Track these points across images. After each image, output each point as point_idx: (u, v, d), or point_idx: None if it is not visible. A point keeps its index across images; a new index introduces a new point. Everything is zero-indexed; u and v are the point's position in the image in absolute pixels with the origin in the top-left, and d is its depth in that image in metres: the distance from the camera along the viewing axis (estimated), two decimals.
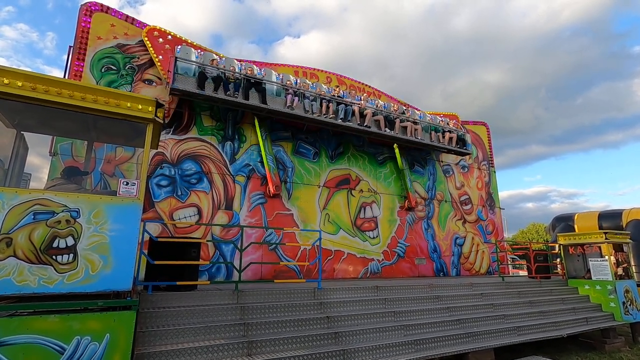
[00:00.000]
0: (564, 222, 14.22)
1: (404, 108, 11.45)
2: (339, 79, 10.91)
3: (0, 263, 3.03)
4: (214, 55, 8.88)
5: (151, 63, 8.36)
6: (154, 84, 8.34)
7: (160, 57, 8.29)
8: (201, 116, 8.71)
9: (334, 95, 9.59)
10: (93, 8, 7.86)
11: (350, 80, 11.29)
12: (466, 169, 13.27)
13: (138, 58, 8.25)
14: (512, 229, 50.32)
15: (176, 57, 7.94)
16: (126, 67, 8.06)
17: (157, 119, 3.92)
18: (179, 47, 8.49)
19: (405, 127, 10.50)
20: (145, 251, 4.89)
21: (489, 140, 14.38)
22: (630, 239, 9.65)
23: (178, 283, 4.85)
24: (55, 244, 3.23)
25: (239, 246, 5.48)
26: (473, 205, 12.95)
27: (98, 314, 3.29)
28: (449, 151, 11.85)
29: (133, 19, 8.39)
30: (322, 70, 10.76)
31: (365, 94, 10.91)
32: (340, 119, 9.26)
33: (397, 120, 10.33)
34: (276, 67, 9.92)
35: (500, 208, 13.75)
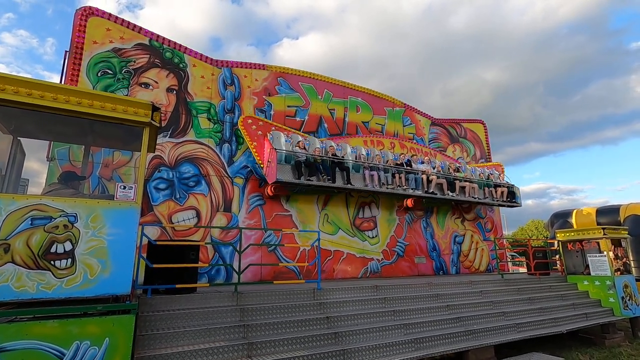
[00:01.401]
0: (562, 219, 14.26)
1: (457, 165, 11.98)
2: (400, 144, 11.60)
3: None
4: (299, 137, 9.41)
5: (148, 66, 8.36)
6: (151, 87, 8.34)
7: (255, 143, 8.88)
8: (198, 119, 8.71)
9: (401, 164, 10.23)
10: (88, 12, 7.85)
11: (410, 143, 11.91)
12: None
13: (134, 62, 8.25)
14: (512, 226, 50.46)
15: (276, 150, 8.45)
16: (122, 71, 8.06)
17: (153, 122, 3.93)
18: (270, 134, 8.94)
19: (464, 187, 11.07)
20: (144, 255, 4.89)
21: (486, 137, 14.42)
22: (628, 234, 9.68)
23: (177, 286, 4.85)
24: (53, 249, 3.23)
25: (238, 248, 5.48)
26: (472, 205, 12.96)
27: (97, 318, 3.30)
28: (501, 205, 12.23)
29: (128, 22, 8.38)
30: (386, 137, 11.58)
31: (425, 157, 11.62)
32: (412, 188, 9.99)
33: (457, 183, 10.95)
34: (349, 139, 10.59)
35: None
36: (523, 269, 15.93)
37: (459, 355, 5.58)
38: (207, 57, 9.24)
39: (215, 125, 8.89)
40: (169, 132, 8.27)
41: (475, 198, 11.15)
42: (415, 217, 11.43)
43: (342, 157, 9.51)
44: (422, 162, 11.06)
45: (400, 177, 9.84)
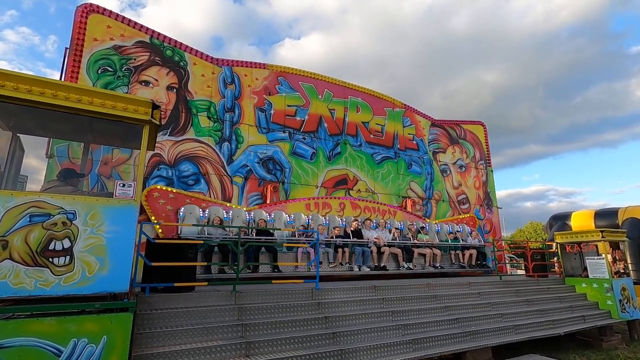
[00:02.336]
0: (561, 221, 14.28)
1: (423, 224, 10.57)
2: (352, 204, 10.00)
3: None
4: (220, 209, 8.06)
5: (148, 64, 8.35)
6: (151, 85, 8.33)
7: (162, 221, 7.44)
8: (198, 117, 8.70)
9: (348, 235, 8.55)
10: (89, 9, 7.84)
11: (364, 202, 10.28)
12: (463, 169, 13.31)
13: (134, 59, 8.23)
14: (510, 228, 50.45)
15: (180, 236, 6.98)
16: (122, 69, 8.05)
17: (153, 120, 3.92)
18: (182, 210, 7.72)
19: (424, 255, 9.44)
20: (143, 253, 4.88)
21: (486, 139, 14.44)
22: (626, 237, 9.70)
23: (175, 284, 4.84)
24: (51, 246, 3.22)
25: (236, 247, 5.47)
26: (470, 204, 12.98)
27: (95, 316, 3.29)
28: (467, 274, 10.12)
29: (129, 20, 8.37)
30: (335, 198, 9.89)
31: (382, 219, 9.86)
32: (358, 265, 8.25)
33: (415, 251, 9.29)
34: (287, 204, 8.99)
35: (497, 207, 13.80)
36: (521, 271, 15.95)
37: (456, 356, 5.59)
38: (207, 56, 9.24)
39: (215, 124, 8.89)
40: (169, 130, 8.27)
41: (437, 267, 9.40)
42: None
43: (272, 231, 7.82)
44: (377, 226, 9.51)
45: (344, 252, 8.19)
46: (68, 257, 3.26)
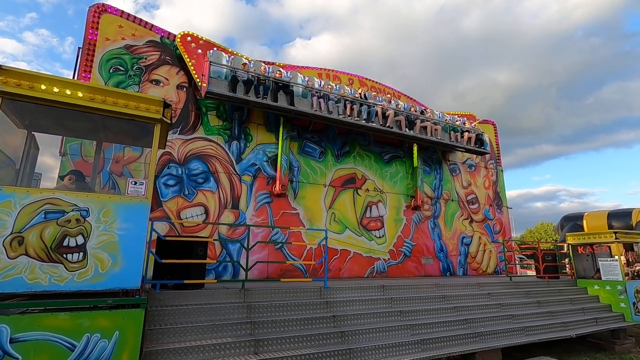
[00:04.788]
0: (573, 222, 14.06)
1: (423, 108, 11.44)
2: (360, 81, 10.95)
3: (12, 261, 3.08)
4: (244, 59, 9.02)
5: (159, 63, 8.42)
6: (161, 84, 8.41)
7: (193, 61, 8.50)
8: (208, 116, 8.76)
9: (356, 97, 9.69)
10: (101, 9, 7.94)
11: (372, 82, 11.29)
12: (473, 168, 13.17)
13: (146, 59, 8.32)
14: (520, 229, 49.86)
15: (210, 62, 8.10)
16: (134, 68, 8.14)
17: (164, 119, 3.95)
18: (211, 51, 8.63)
19: (425, 127, 10.57)
20: (153, 250, 4.94)
21: (496, 139, 14.26)
22: None
23: (186, 282, 4.90)
24: (65, 243, 3.28)
25: (245, 245, 5.51)
26: (480, 204, 12.85)
27: (107, 311, 3.34)
28: (467, 150, 11.92)
29: (140, 20, 8.46)
30: (344, 73, 10.83)
31: (388, 95, 10.98)
32: (364, 119, 9.39)
33: (418, 121, 10.47)
34: (301, 69, 10.11)
35: (507, 207, 13.63)
36: (531, 272, 15.75)
37: (465, 357, 5.54)
38: None
39: (225, 123, 8.94)
40: (179, 129, 8.34)
41: (438, 139, 10.68)
42: (423, 217, 11.36)
43: (289, 80, 8.95)
44: (381, 100, 10.46)
45: (352, 108, 9.27)
46: (81, 254, 3.32)
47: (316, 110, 8.92)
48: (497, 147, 14.16)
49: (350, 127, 9.83)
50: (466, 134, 11.47)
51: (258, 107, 8.80)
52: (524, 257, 18.74)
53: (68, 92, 3.53)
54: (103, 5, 7.97)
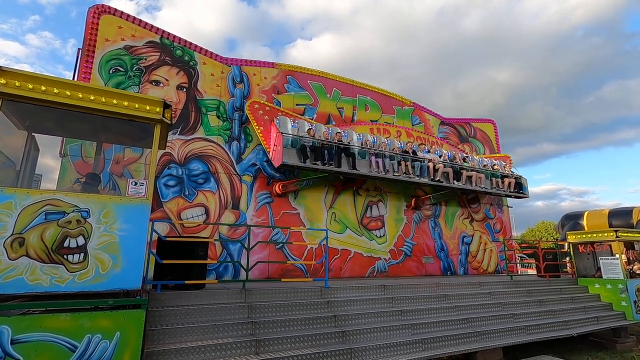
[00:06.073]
0: (573, 220, 14.06)
1: (465, 155, 11.97)
2: (407, 133, 11.60)
3: (13, 262, 3.09)
4: (307, 123, 9.41)
5: (158, 64, 8.42)
6: (161, 84, 8.41)
7: (262, 128, 8.92)
8: (207, 116, 8.76)
9: (407, 153, 10.21)
10: (101, 10, 7.94)
11: (417, 132, 11.90)
12: None
13: (145, 59, 8.32)
14: (521, 228, 49.80)
15: (282, 133, 8.41)
16: (134, 69, 8.14)
17: (164, 119, 3.95)
18: (277, 119, 8.95)
19: (470, 177, 10.98)
20: (154, 250, 4.95)
21: (496, 138, 14.25)
22: None
23: (186, 282, 4.90)
24: (66, 244, 3.28)
25: (246, 245, 5.51)
26: (480, 203, 12.84)
27: (108, 312, 3.34)
28: (508, 195, 12.30)
29: (140, 20, 8.46)
30: (392, 125, 11.51)
31: (432, 146, 11.55)
32: (417, 176, 9.93)
33: (464, 172, 10.86)
34: (355, 126, 10.66)
35: (508, 206, 13.62)
36: (532, 271, 15.74)
37: (467, 357, 5.54)
38: (216, 55, 9.29)
39: (225, 123, 8.94)
40: (179, 129, 8.34)
41: (482, 188, 11.04)
42: (424, 217, 11.36)
43: (348, 143, 9.47)
44: (428, 152, 10.99)
45: (406, 165, 9.80)
46: (82, 255, 3.32)
47: (375, 171, 9.37)
48: (497, 146, 14.15)
49: (405, 191, 10.94)
50: (506, 180, 11.77)
51: (325, 173, 9.02)
52: (524, 256, 18.71)
53: (68, 93, 3.53)
54: (102, 6, 7.97)
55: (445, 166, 10.52)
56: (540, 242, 10.47)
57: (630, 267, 8.85)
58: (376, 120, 11.42)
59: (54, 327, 3.11)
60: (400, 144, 10.78)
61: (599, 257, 8.89)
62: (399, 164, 9.77)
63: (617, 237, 8.52)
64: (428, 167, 10.17)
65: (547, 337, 6.31)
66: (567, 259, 10.19)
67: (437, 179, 10.23)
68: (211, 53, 9.22)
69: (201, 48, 9.11)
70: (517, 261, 14.37)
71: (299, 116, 9.66)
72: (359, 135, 10.19)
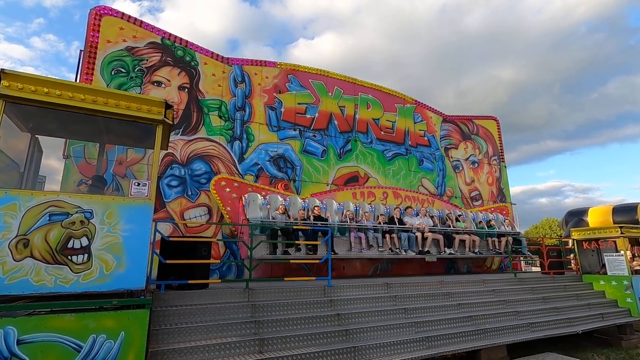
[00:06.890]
0: (577, 217, 13.98)
1: (459, 213, 10.92)
2: (394, 193, 10.70)
3: (18, 264, 3.11)
4: (279, 197, 8.54)
5: (160, 65, 8.44)
6: (163, 85, 8.43)
7: (228, 208, 8.15)
8: (209, 116, 8.78)
9: (392, 223, 9.12)
10: (102, 12, 7.96)
11: (405, 191, 10.95)
12: (476, 165, 13.12)
13: (146, 60, 8.34)
14: (525, 225, 49.62)
15: (249, 219, 7.68)
16: (135, 70, 8.16)
17: (166, 120, 3.97)
18: (246, 197, 8.20)
19: (463, 241, 9.90)
20: (157, 251, 4.97)
21: (499, 135, 14.19)
22: None
23: (190, 282, 4.92)
24: (70, 245, 3.30)
25: (249, 245, 5.52)
26: (484, 201, 12.80)
27: (113, 312, 3.36)
28: (507, 252, 10.52)
29: (141, 21, 8.47)
30: (378, 187, 10.62)
31: (422, 207, 10.42)
32: (404, 250, 8.90)
33: (457, 237, 9.74)
34: (336, 193, 9.74)
35: (512, 203, 13.56)
36: (536, 268, 15.68)
37: (471, 355, 5.53)
38: (217, 55, 9.30)
39: (227, 123, 8.95)
40: (181, 130, 8.36)
41: (476, 253, 9.87)
42: None
43: (327, 218, 8.50)
44: (417, 214, 9.91)
45: (392, 238, 8.83)
46: (86, 255, 3.34)
47: (355, 251, 8.44)
48: (500, 144, 14.09)
49: (387, 259, 9.52)
50: (503, 240, 10.44)
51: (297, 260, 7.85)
52: (528, 253, 18.63)
53: (70, 94, 3.55)
54: (104, 7, 7.99)
55: (435, 232, 9.44)
56: (544, 239, 10.41)
57: (632, 263, 8.80)
58: (378, 119, 11.39)
59: (59, 328, 3.13)
60: (387, 209, 9.80)
61: (604, 254, 8.84)
62: (384, 236, 8.82)
63: (621, 233, 8.47)
64: (416, 237, 9.11)
65: (552, 334, 6.29)
66: (572, 255, 10.14)
67: (426, 250, 9.13)
68: (212, 53, 9.23)
69: (202, 48, 9.12)
70: (521, 258, 14.32)
71: (271, 189, 8.83)
72: (340, 204, 9.29)
